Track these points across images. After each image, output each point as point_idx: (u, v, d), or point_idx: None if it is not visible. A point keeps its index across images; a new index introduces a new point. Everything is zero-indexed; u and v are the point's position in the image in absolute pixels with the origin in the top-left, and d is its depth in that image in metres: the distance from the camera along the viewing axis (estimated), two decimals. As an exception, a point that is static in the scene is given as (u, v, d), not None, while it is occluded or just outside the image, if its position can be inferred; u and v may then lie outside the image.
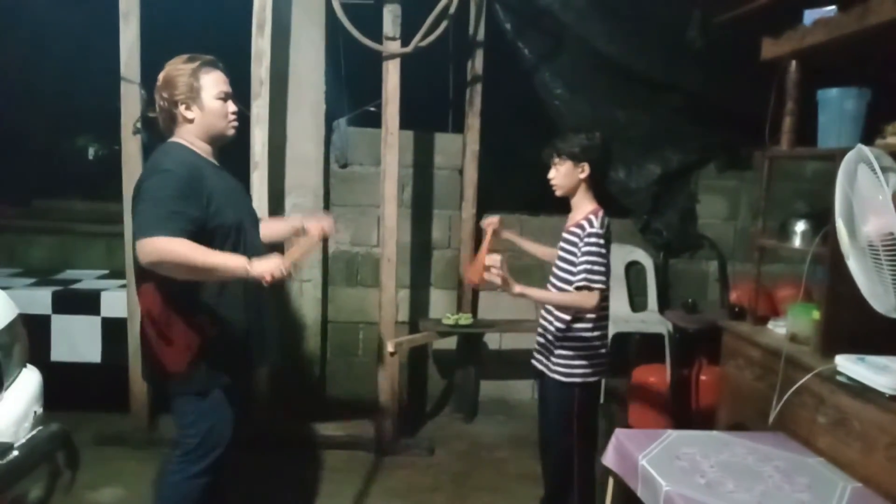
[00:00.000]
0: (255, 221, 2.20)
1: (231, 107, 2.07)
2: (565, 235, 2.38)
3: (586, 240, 2.25)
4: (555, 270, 2.39)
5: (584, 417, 2.35)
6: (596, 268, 2.22)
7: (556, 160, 2.35)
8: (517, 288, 2.19)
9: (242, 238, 2.04)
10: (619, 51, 3.66)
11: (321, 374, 3.89)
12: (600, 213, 2.32)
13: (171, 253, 1.78)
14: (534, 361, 2.48)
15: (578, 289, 2.24)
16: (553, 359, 2.36)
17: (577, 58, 3.72)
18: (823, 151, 2.47)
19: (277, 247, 2.25)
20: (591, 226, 2.26)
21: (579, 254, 2.26)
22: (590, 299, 2.23)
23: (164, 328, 1.96)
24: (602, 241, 2.25)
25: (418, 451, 3.36)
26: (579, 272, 2.24)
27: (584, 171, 2.32)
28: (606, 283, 2.25)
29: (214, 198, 1.95)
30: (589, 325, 2.34)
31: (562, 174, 2.34)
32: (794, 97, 2.60)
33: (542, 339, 2.44)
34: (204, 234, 1.89)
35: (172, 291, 1.94)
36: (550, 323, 2.39)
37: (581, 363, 2.33)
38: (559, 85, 3.74)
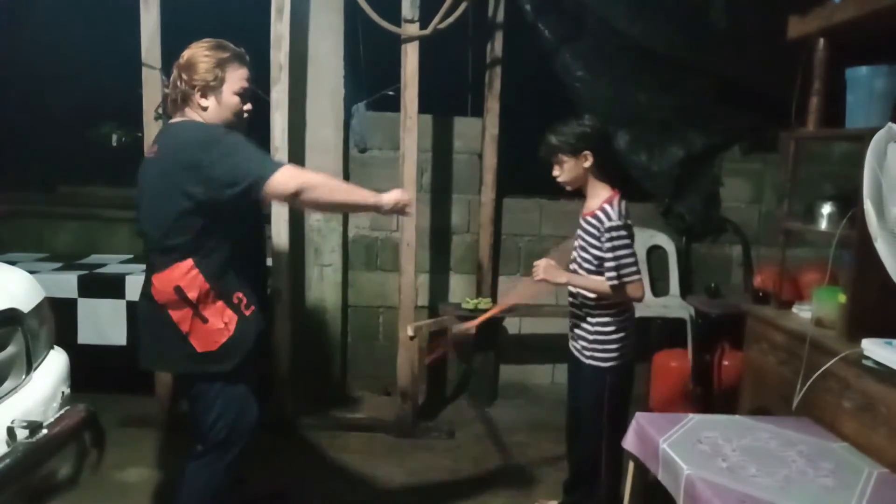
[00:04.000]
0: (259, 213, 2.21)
1: (246, 105, 2.04)
2: (583, 224, 2.34)
3: (607, 234, 2.21)
4: (577, 257, 2.36)
5: (614, 402, 2.35)
6: (625, 261, 2.21)
7: (555, 157, 2.29)
8: (563, 278, 2.24)
9: (255, 215, 2.05)
10: (640, 32, 3.60)
11: (342, 358, 3.92)
12: (616, 200, 2.26)
13: (311, 178, 1.86)
14: (570, 346, 2.45)
15: (612, 287, 2.22)
16: (587, 343, 2.34)
17: (598, 39, 3.67)
18: (852, 132, 2.41)
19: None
20: (609, 219, 2.21)
21: (603, 249, 2.23)
22: (636, 290, 2.24)
23: (201, 306, 1.90)
24: (624, 233, 2.22)
25: (438, 435, 3.38)
26: (610, 269, 2.22)
27: (588, 159, 2.26)
28: (638, 270, 2.24)
29: None
30: (620, 310, 2.32)
31: (566, 170, 2.29)
32: (822, 76, 2.53)
33: (574, 327, 2.41)
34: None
35: (213, 268, 1.91)
36: (580, 308, 2.36)
37: (613, 347, 2.32)
38: (580, 67, 3.69)
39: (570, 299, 2.43)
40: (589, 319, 2.34)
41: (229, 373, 1.98)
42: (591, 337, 2.33)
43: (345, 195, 2.02)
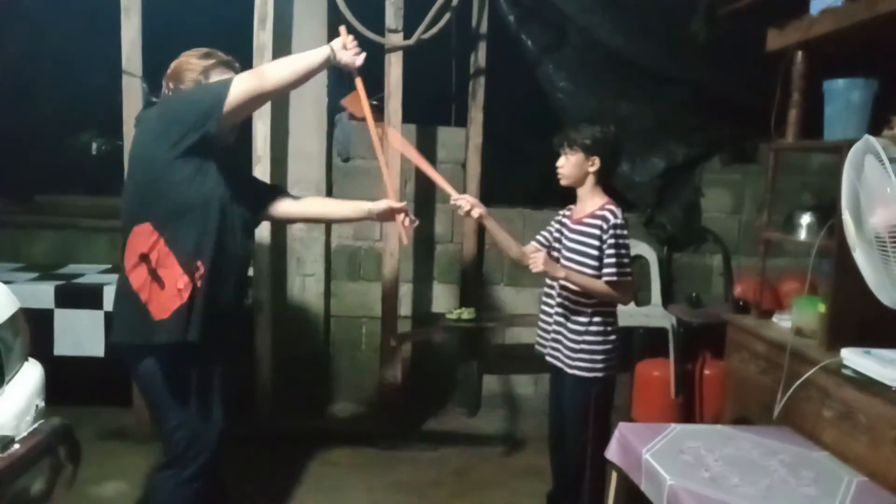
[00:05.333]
0: (246, 223, 2.10)
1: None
2: (577, 227, 2.35)
3: (612, 232, 2.25)
4: (567, 263, 2.35)
5: (599, 413, 2.35)
6: (625, 260, 2.27)
7: (567, 150, 2.33)
8: (562, 272, 2.25)
9: (229, 214, 1.98)
10: (623, 43, 3.63)
11: (324, 368, 3.89)
12: (614, 205, 2.32)
13: (255, 75, 1.87)
14: (547, 356, 2.45)
15: (609, 283, 2.25)
16: (571, 354, 2.34)
17: (581, 50, 3.70)
18: (830, 143, 2.44)
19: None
20: (616, 217, 2.28)
21: (605, 247, 2.25)
22: (629, 290, 2.29)
23: (158, 269, 1.87)
24: (626, 232, 2.29)
25: (421, 446, 3.36)
26: (610, 266, 2.25)
27: (595, 164, 2.32)
28: (632, 273, 2.29)
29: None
30: (606, 320, 2.34)
31: (571, 164, 2.33)
32: (800, 88, 2.57)
33: (557, 335, 2.41)
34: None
35: (173, 233, 1.88)
36: (567, 318, 2.36)
37: (599, 358, 2.32)
38: (563, 78, 3.72)
39: (554, 308, 2.40)
40: (576, 328, 2.33)
41: (183, 351, 1.89)
42: (577, 346, 2.33)
43: (296, 61, 1.93)
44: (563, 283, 2.31)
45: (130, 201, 1.96)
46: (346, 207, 2.38)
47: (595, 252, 2.28)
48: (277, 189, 2.38)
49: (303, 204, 2.30)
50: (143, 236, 1.89)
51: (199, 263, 1.91)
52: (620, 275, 2.25)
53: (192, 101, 1.90)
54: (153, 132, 1.92)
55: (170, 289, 1.88)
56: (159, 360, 1.93)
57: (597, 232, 2.28)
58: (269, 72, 1.91)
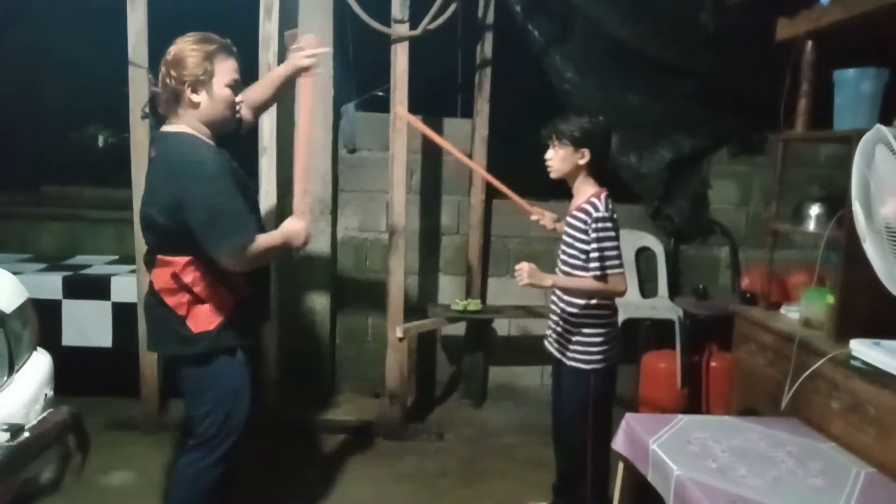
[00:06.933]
0: (256, 204, 2.22)
1: (238, 97, 2.02)
2: (570, 220, 2.34)
3: (594, 226, 2.21)
4: (562, 256, 2.36)
5: (599, 404, 2.34)
6: (609, 253, 2.21)
7: (556, 142, 2.27)
8: (548, 281, 2.21)
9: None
10: (630, 34, 3.60)
11: (330, 359, 3.90)
12: (603, 196, 2.26)
13: (256, 257, 1.91)
14: (550, 349, 2.46)
15: (596, 278, 2.22)
16: (570, 346, 2.34)
17: (588, 41, 3.67)
18: (839, 133, 2.43)
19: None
20: (597, 210, 2.22)
21: (590, 241, 2.22)
22: (619, 284, 2.23)
23: (198, 291, 1.95)
24: (610, 225, 2.22)
25: (427, 437, 3.36)
26: (594, 260, 2.21)
27: (584, 156, 2.25)
28: (621, 264, 2.23)
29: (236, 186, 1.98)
30: (603, 312, 2.32)
31: (559, 157, 2.28)
32: (810, 78, 2.55)
33: (556, 327, 2.41)
34: None
35: (209, 262, 1.94)
36: (564, 310, 2.36)
37: (597, 349, 2.31)
38: (569, 69, 3.70)
39: (554, 304, 2.42)
40: (573, 321, 2.33)
41: (221, 357, 2.00)
42: (574, 339, 2.32)
43: (272, 245, 2.00)
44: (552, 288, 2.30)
45: (155, 230, 1.98)
46: (275, 75, 2.32)
47: (582, 245, 2.25)
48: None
49: (248, 101, 2.21)
50: (179, 264, 1.95)
51: (236, 281, 2.00)
52: (605, 269, 2.20)
53: (203, 220, 1.88)
54: (162, 201, 1.92)
55: (212, 305, 1.98)
56: (198, 362, 2.01)
57: (582, 225, 2.25)
58: (254, 259, 1.95)
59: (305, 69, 2.19)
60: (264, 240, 1.95)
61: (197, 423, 2.03)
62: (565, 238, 2.35)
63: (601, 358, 2.32)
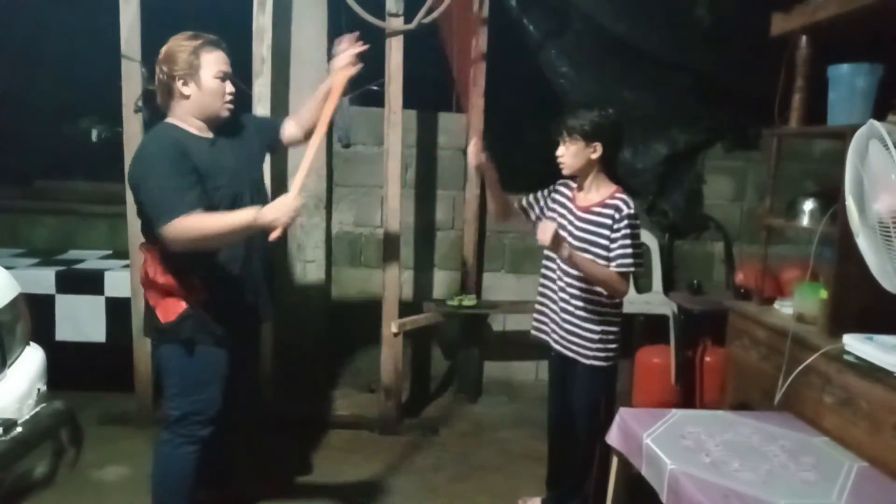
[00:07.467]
0: (260, 191, 2.24)
1: (229, 87, 2.10)
2: (586, 216, 2.27)
3: (626, 222, 2.18)
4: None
5: (610, 400, 2.35)
6: (634, 251, 2.19)
7: (566, 138, 2.23)
8: (567, 251, 2.14)
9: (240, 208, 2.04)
10: (625, 29, 3.60)
11: (325, 354, 3.89)
12: (626, 194, 2.24)
13: (187, 231, 1.90)
14: (558, 347, 2.37)
15: (620, 273, 2.19)
16: (588, 344, 2.28)
17: (584, 36, 3.67)
18: (834, 128, 2.43)
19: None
20: (629, 206, 2.20)
21: (616, 238, 2.18)
22: (626, 284, 2.22)
23: (164, 285, 2.06)
24: (638, 223, 2.22)
25: (422, 431, 3.37)
26: (618, 256, 2.18)
27: (597, 151, 2.22)
28: (634, 264, 2.21)
29: (203, 172, 2.00)
30: (615, 310, 2.32)
31: (571, 153, 2.24)
32: (804, 74, 2.56)
33: (563, 324, 2.33)
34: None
35: (171, 255, 2.02)
36: (578, 307, 2.29)
37: (613, 347, 2.32)
38: (565, 63, 3.69)
39: (559, 294, 2.33)
40: (589, 318, 2.27)
41: (186, 342, 2.07)
42: (595, 337, 2.27)
43: (224, 239, 2.02)
44: (565, 263, 2.22)
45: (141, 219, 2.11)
46: (320, 93, 2.36)
47: (605, 242, 2.20)
48: (278, 122, 2.44)
49: (300, 122, 2.35)
50: (153, 258, 2.08)
51: (194, 279, 2.06)
52: (627, 266, 2.18)
53: (149, 196, 1.97)
54: (134, 183, 2.01)
55: (172, 299, 2.06)
56: (166, 349, 2.13)
57: (608, 221, 2.20)
58: (194, 226, 1.94)
59: (345, 69, 2.27)
60: (215, 218, 1.94)
61: (165, 405, 2.15)
62: (579, 234, 2.26)
63: (615, 355, 2.32)
